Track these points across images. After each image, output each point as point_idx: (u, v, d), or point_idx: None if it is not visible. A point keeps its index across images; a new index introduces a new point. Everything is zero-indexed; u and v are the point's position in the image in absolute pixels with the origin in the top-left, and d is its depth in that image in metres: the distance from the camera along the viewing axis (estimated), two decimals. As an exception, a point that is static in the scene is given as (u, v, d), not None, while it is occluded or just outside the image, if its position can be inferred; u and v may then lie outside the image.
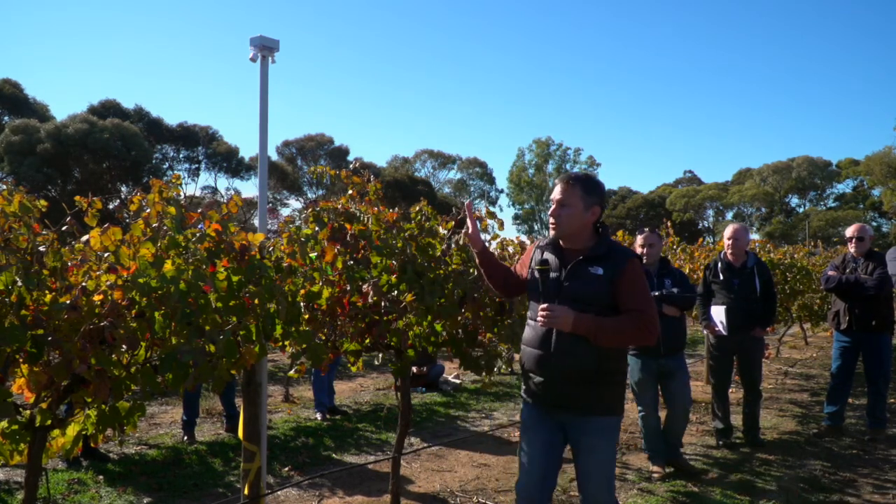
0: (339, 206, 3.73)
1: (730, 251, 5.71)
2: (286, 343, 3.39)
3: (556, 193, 2.88)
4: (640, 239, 5.11)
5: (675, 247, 8.94)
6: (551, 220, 2.89)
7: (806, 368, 10.47)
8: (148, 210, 2.89)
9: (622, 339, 2.77)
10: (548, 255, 2.93)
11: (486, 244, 3.51)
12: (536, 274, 2.91)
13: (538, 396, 2.91)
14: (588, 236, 2.88)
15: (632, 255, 2.84)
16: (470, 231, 3.18)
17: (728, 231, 5.79)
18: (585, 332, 2.71)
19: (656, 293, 4.87)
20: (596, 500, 2.87)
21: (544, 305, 2.76)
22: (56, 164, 26.34)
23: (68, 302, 2.50)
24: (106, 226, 2.78)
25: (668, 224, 9.12)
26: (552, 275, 2.88)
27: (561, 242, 2.92)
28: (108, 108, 31.97)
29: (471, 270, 3.91)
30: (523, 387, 3.03)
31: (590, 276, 2.79)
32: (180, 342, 2.72)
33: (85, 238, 2.75)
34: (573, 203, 2.82)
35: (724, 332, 5.59)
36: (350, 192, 3.91)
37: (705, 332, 5.93)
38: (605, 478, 2.87)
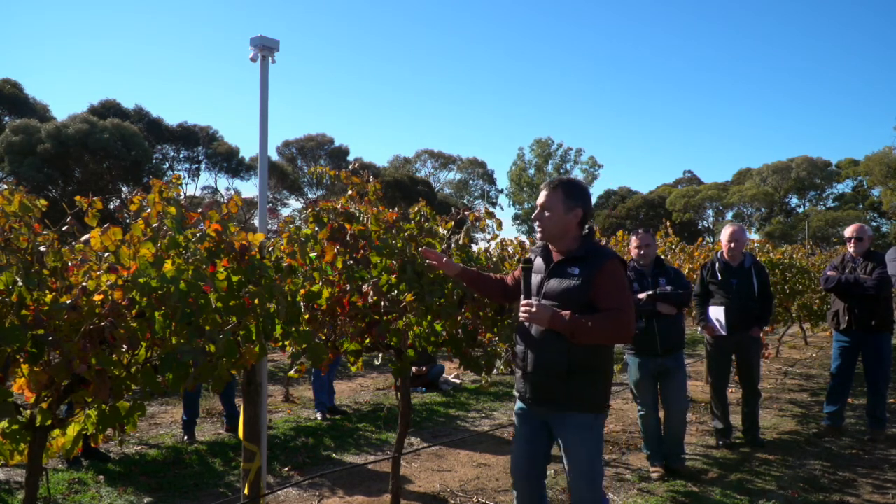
0: (339, 206, 3.73)
1: (729, 253, 5.70)
2: (286, 343, 3.39)
3: (540, 199, 3.02)
4: (634, 240, 5.12)
5: (674, 246, 8.95)
6: (536, 224, 3.03)
7: (806, 368, 10.48)
8: (148, 210, 2.89)
9: (599, 337, 2.81)
10: (536, 257, 3.09)
11: (481, 253, 3.50)
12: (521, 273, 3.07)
13: (522, 392, 3.05)
14: (573, 238, 2.98)
15: (611, 256, 2.91)
16: (444, 261, 3.37)
17: (727, 234, 5.76)
18: (562, 329, 2.79)
19: (650, 292, 4.89)
20: (580, 495, 2.92)
21: (525, 302, 2.88)
22: (56, 164, 26.33)
23: (68, 302, 2.50)
24: (106, 226, 2.78)
25: (668, 224, 9.12)
26: (535, 276, 3.03)
27: (550, 246, 3.05)
28: (108, 108, 31.93)
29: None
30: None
31: (567, 275, 2.90)
32: (180, 342, 2.72)
33: (85, 238, 2.75)
34: (554, 207, 2.95)
35: (723, 333, 5.59)
36: (350, 192, 3.92)
37: (703, 332, 5.93)
38: (587, 472, 2.91)
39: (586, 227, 3.02)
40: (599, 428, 2.95)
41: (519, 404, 3.12)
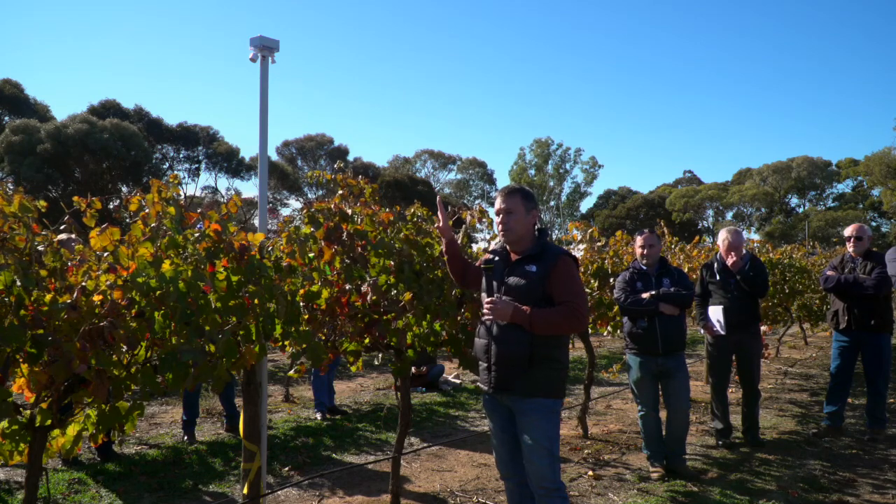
0: (333, 207, 3.73)
1: (730, 260, 5.65)
2: (286, 343, 3.40)
3: (500, 204, 3.23)
4: (639, 240, 5.11)
5: (673, 247, 8.94)
6: (500, 227, 3.24)
7: (805, 368, 10.48)
8: (147, 210, 2.89)
9: (554, 328, 3.05)
10: (496, 258, 3.29)
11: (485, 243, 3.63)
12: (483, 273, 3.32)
13: (486, 382, 3.23)
14: (530, 239, 3.22)
15: (563, 253, 3.15)
16: (441, 224, 3.56)
17: (724, 243, 5.69)
18: (522, 321, 3.03)
19: (653, 292, 4.89)
20: (541, 473, 3.08)
21: (489, 299, 3.13)
22: (56, 165, 26.32)
23: (68, 302, 2.50)
24: (105, 226, 2.78)
25: (663, 224, 9.11)
26: (494, 279, 3.23)
27: (508, 248, 3.27)
28: (108, 108, 31.93)
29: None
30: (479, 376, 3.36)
31: (525, 272, 3.14)
32: (180, 342, 2.72)
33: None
34: (517, 209, 3.19)
35: (722, 332, 5.59)
36: (341, 191, 3.93)
37: (703, 332, 5.93)
38: (548, 451, 3.08)
39: (539, 228, 3.27)
40: (558, 413, 3.17)
41: (485, 397, 3.34)
